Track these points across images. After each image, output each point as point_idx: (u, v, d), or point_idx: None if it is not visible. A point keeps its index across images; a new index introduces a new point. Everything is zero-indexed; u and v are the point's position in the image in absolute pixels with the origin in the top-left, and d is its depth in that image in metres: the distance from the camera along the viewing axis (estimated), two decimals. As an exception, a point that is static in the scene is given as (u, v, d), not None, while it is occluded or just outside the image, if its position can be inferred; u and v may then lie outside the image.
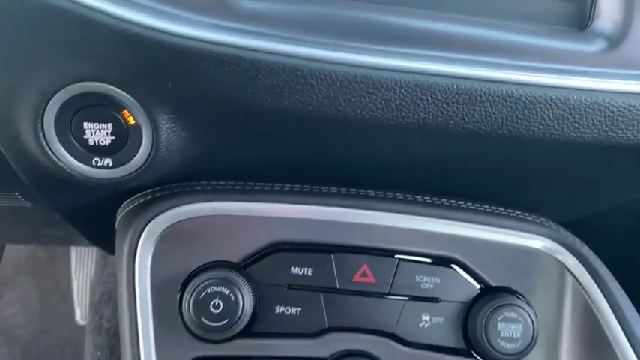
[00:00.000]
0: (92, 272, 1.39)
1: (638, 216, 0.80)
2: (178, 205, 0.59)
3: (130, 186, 0.56)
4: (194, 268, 0.58)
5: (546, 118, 0.50)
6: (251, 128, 0.53)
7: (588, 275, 0.60)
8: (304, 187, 0.61)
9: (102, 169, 0.52)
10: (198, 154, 0.55)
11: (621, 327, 0.60)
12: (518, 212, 0.63)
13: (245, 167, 0.60)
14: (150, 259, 0.58)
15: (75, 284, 1.54)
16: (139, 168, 0.53)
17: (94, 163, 0.52)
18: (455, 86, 0.49)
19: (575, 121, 0.51)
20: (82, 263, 1.52)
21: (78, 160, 0.52)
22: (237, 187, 0.61)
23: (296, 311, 0.59)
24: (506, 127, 0.50)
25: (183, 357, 0.58)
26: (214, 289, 0.55)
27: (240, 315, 0.56)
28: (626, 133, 0.52)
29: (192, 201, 0.59)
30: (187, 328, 0.56)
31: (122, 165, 0.53)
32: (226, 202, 0.60)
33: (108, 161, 0.52)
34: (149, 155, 0.52)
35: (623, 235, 0.89)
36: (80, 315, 1.56)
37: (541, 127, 0.51)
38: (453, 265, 0.60)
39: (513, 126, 0.50)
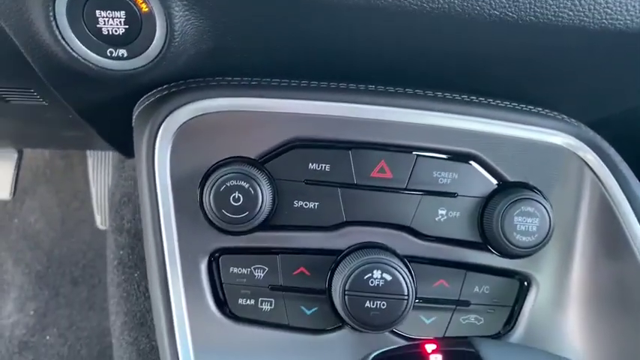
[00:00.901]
0: (109, 178, 1.41)
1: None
2: (195, 100, 0.58)
3: (145, 79, 0.55)
4: (213, 163, 0.58)
5: (577, 2, 0.48)
6: (266, 16, 0.51)
7: (608, 171, 0.60)
8: (322, 83, 0.60)
9: (116, 60, 0.51)
10: (214, 46, 0.53)
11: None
12: (540, 109, 0.62)
13: (260, 62, 0.59)
14: (169, 153, 0.58)
15: (93, 191, 1.57)
16: (154, 59, 0.52)
17: (108, 54, 0.51)
18: (483, -32, 0.46)
19: (607, 7, 0.48)
20: (99, 170, 1.54)
21: (92, 51, 0.51)
22: (254, 83, 0.60)
23: (314, 206, 0.60)
24: (534, 12, 0.48)
25: (205, 248, 0.60)
26: (234, 182, 0.56)
27: (260, 208, 0.57)
28: (661, 21, 0.49)
29: (208, 96, 0.58)
30: (209, 220, 0.58)
31: (137, 56, 0.51)
32: (243, 98, 0.59)
33: (122, 52, 0.51)
34: (163, 45, 0.51)
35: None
36: (100, 220, 1.60)
37: (570, 12, 0.48)
38: (471, 161, 0.60)
39: (542, 12, 0.48)
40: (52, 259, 1.73)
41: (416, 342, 0.44)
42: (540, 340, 0.62)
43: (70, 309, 1.60)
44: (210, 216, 0.57)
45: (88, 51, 0.51)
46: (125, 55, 0.51)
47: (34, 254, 1.72)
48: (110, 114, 0.67)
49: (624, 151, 0.63)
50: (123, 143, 0.66)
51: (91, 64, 0.51)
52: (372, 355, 0.43)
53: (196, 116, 0.58)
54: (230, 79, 0.60)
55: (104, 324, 1.57)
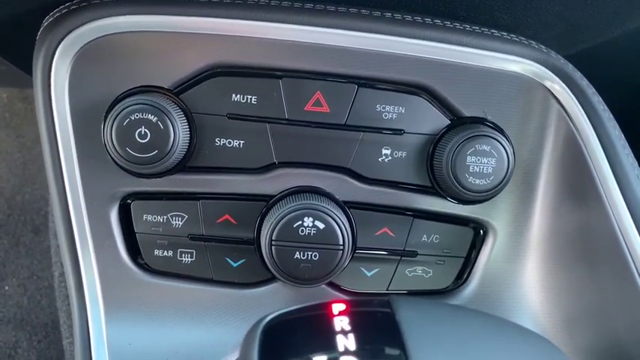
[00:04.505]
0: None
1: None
2: (97, 18, 0.50)
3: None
4: (119, 94, 0.50)
5: None
6: None
7: (578, 104, 0.52)
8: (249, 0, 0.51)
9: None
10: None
11: (610, 166, 0.52)
12: (502, 33, 0.54)
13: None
14: (67, 80, 0.50)
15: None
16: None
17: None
18: None
19: None
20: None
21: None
22: (168, -2, 0.51)
23: (239, 144, 0.52)
24: None
25: (114, 193, 0.52)
26: (139, 115, 0.48)
27: (172, 146, 0.49)
28: None
29: (113, 13, 0.50)
30: (114, 160, 0.50)
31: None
32: (155, 16, 0.50)
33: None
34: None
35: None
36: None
37: None
38: (421, 93, 0.52)
39: None
40: (14, 206, 1.66)
41: (322, 302, 0.37)
42: (495, 295, 0.56)
43: (30, 258, 1.54)
44: (112, 154, 0.49)
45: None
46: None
47: (-5, 202, 1.65)
48: (18, 40, 0.58)
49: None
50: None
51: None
52: (266, 320, 0.36)
53: (99, 37, 0.50)
54: (141, -7, 0.51)
55: (66, 273, 1.52)
